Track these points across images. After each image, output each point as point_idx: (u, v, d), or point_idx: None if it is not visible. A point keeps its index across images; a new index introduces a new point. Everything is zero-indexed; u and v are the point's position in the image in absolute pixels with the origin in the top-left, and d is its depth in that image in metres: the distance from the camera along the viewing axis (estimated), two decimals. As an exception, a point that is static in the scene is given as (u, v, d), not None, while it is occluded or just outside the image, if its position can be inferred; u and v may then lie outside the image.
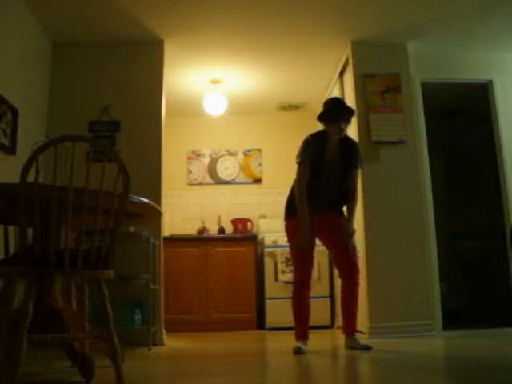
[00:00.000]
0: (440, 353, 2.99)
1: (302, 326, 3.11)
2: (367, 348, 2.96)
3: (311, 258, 3.15)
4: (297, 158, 3.18)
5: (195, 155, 5.64)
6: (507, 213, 4.05)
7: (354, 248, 3.16)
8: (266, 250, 4.77)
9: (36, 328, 1.78)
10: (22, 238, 1.80)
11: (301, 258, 3.14)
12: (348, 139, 3.28)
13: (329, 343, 3.55)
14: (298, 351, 2.94)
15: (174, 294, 4.47)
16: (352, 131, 4.08)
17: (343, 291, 3.15)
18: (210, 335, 4.30)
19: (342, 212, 3.25)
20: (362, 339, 3.17)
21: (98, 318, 1.95)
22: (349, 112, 3.21)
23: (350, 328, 3.08)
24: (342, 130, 3.18)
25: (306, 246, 3.10)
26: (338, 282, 4.37)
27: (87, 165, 1.82)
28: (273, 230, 4.96)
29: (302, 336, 3.09)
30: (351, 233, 3.16)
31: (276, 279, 4.66)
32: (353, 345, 3.02)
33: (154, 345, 3.42)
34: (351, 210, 3.22)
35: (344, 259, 3.15)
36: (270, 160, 5.63)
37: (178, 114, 5.45)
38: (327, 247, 3.41)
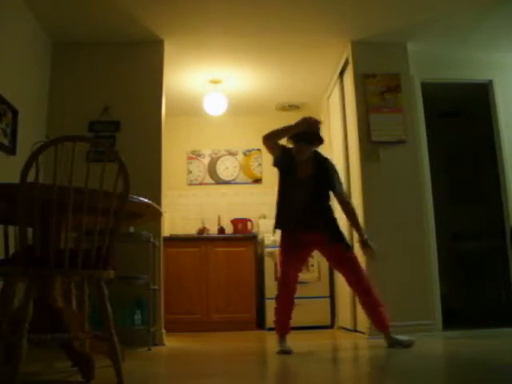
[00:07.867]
0: (440, 353, 2.99)
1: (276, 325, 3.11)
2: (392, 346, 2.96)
3: (292, 273, 3.07)
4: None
5: (195, 155, 5.64)
6: (507, 213, 4.05)
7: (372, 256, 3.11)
8: (266, 249, 4.77)
9: (36, 328, 1.78)
10: (22, 238, 1.80)
11: (283, 269, 3.09)
12: (320, 158, 3.21)
13: (329, 343, 3.54)
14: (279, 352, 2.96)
15: (174, 294, 4.47)
16: (352, 131, 4.10)
17: (360, 302, 3.12)
18: (210, 335, 4.29)
19: (321, 228, 3.11)
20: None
21: (98, 318, 1.95)
22: (312, 136, 3.12)
23: (380, 326, 3.06)
24: (301, 151, 3.14)
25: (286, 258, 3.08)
26: (337, 282, 4.39)
27: (87, 165, 1.82)
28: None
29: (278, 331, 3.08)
30: (362, 244, 3.10)
31: (276, 279, 4.65)
32: (389, 342, 3.01)
33: (154, 345, 3.42)
34: (352, 222, 3.18)
35: (349, 272, 3.10)
36: (270, 160, 5.55)
37: (178, 114, 5.46)
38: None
